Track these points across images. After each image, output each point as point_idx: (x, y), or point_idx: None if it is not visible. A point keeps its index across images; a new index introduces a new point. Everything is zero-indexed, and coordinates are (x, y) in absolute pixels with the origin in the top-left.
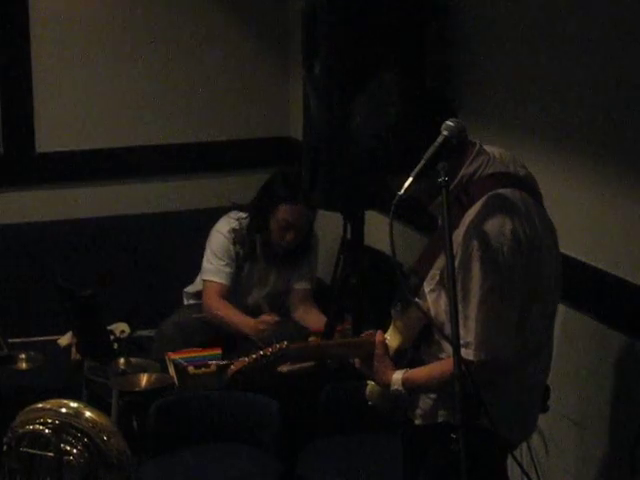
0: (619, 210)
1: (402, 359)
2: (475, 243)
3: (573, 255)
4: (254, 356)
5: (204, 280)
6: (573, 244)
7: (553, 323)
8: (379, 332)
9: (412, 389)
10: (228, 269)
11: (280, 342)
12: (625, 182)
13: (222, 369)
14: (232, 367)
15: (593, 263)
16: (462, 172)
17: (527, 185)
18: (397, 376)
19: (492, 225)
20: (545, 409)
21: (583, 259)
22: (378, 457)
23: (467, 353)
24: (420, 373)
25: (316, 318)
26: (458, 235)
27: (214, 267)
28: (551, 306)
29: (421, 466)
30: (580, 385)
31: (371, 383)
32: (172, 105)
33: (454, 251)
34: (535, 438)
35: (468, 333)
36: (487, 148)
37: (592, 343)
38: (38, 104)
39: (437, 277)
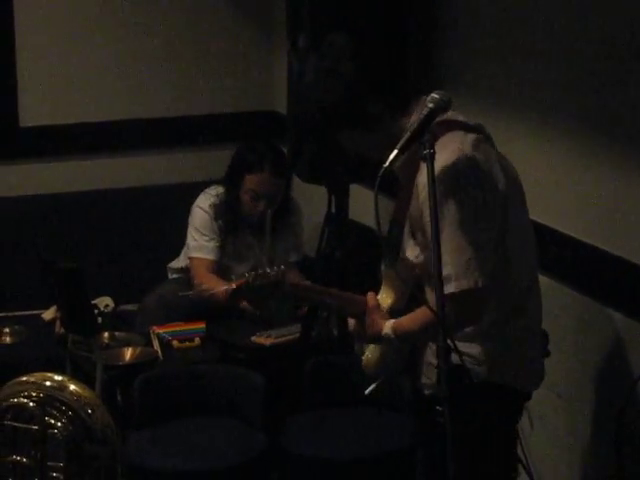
0: (604, 183)
1: (396, 317)
2: (436, 177)
3: (559, 229)
4: (254, 273)
5: (190, 258)
6: (560, 218)
7: (537, 269)
8: (370, 292)
9: (401, 336)
10: (213, 243)
11: (279, 267)
12: (611, 155)
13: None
14: (232, 284)
15: (579, 237)
16: (412, 120)
17: (479, 130)
18: (388, 323)
19: (449, 155)
20: (547, 354)
21: (570, 233)
22: (362, 430)
23: (448, 287)
24: (406, 319)
25: None
26: (422, 177)
27: (198, 243)
28: (532, 251)
29: (435, 436)
30: (565, 359)
31: (367, 353)
32: (156, 79)
33: (418, 195)
34: None
35: (446, 267)
36: None
37: (576, 317)
38: (21, 78)
39: (407, 230)
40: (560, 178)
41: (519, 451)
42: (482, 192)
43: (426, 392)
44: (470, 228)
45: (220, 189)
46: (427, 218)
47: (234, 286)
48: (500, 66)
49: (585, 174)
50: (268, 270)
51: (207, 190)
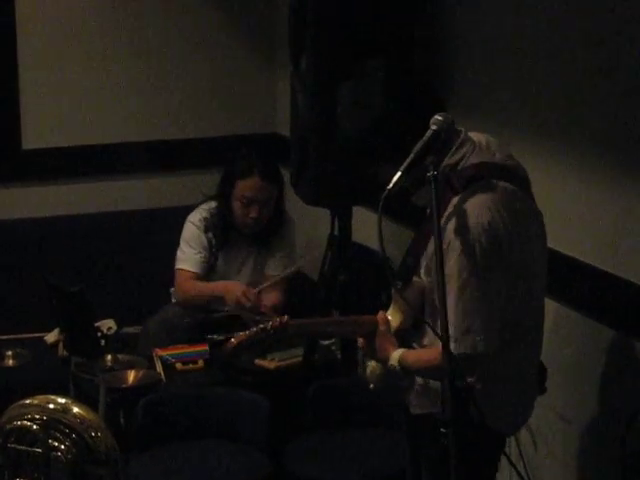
0: (608, 204)
1: (404, 339)
2: (453, 236)
3: (561, 250)
4: (255, 329)
5: (176, 269)
6: (561, 239)
7: (542, 307)
8: (380, 311)
9: (405, 369)
10: (199, 257)
11: (281, 316)
12: (616, 175)
13: (218, 343)
14: (232, 340)
15: (581, 258)
16: (446, 162)
17: (512, 174)
18: (395, 354)
19: (470, 217)
20: (542, 391)
21: (571, 254)
22: (365, 453)
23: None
24: (412, 355)
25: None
26: (451, 225)
27: (185, 255)
28: (539, 289)
29: (421, 454)
30: (568, 380)
31: (371, 364)
32: (158, 102)
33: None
34: (523, 433)
35: (450, 325)
36: (474, 135)
37: (580, 338)
38: (24, 101)
39: (424, 267)
40: (568, 200)
41: (521, 471)
42: (499, 260)
43: (412, 411)
44: (480, 294)
45: (212, 203)
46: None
47: (236, 342)
48: (512, 87)
49: (592, 196)
50: (270, 323)
51: (200, 206)
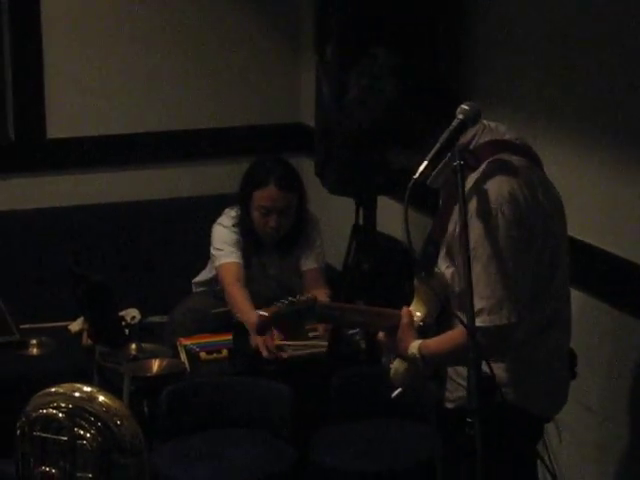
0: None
1: (426, 333)
2: (475, 209)
3: (594, 243)
4: (286, 302)
5: (218, 267)
6: (593, 231)
7: (567, 288)
8: (404, 306)
9: (427, 356)
10: (237, 251)
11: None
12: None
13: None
14: (262, 313)
15: (611, 250)
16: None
17: (525, 150)
18: (415, 343)
19: (490, 190)
20: (574, 376)
21: (604, 247)
22: (390, 442)
23: (479, 320)
24: (433, 341)
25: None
26: (471, 205)
27: (224, 252)
28: (565, 269)
29: (453, 448)
30: (593, 371)
31: (395, 365)
32: (184, 91)
33: (456, 220)
34: (549, 425)
35: (479, 299)
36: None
37: (611, 331)
38: (49, 90)
39: (444, 252)
40: (593, 191)
41: (548, 465)
42: (522, 229)
43: (448, 405)
44: (507, 264)
45: (237, 209)
46: (472, 240)
47: (266, 314)
48: (532, 79)
49: (620, 187)
50: (299, 297)
51: (226, 211)
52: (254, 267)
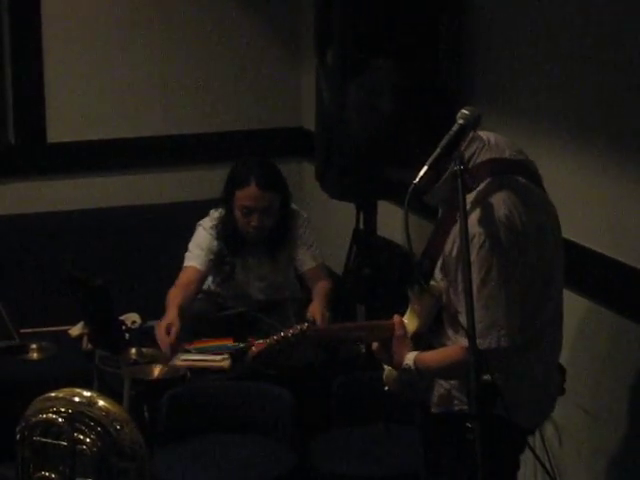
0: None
1: (420, 344)
2: (471, 231)
3: (593, 247)
4: (275, 338)
5: (183, 268)
6: (590, 235)
7: (561, 302)
8: (396, 315)
9: (422, 369)
10: (204, 256)
11: (301, 324)
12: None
13: (240, 353)
14: (253, 349)
15: (605, 252)
16: (467, 152)
17: (524, 168)
18: (411, 354)
19: (487, 212)
20: (562, 392)
21: (602, 251)
22: (391, 447)
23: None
24: (428, 355)
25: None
26: (470, 228)
27: (191, 254)
28: (556, 283)
29: (440, 454)
30: (594, 375)
31: (388, 368)
32: (184, 95)
33: (454, 239)
34: (548, 428)
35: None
36: (482, 134)
37: (606, 332)
38: (49, 94)
39: (440, 266)
40: (592, 195)
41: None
42: (516, 253)
43: (432, 410)
44: (500, 288)
45: (222, 210)
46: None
47: (256, 351)
48: (533, 86)
49: (619, 192)
50: (289, 331)
51: (211, 212)
52: (238, 268)
